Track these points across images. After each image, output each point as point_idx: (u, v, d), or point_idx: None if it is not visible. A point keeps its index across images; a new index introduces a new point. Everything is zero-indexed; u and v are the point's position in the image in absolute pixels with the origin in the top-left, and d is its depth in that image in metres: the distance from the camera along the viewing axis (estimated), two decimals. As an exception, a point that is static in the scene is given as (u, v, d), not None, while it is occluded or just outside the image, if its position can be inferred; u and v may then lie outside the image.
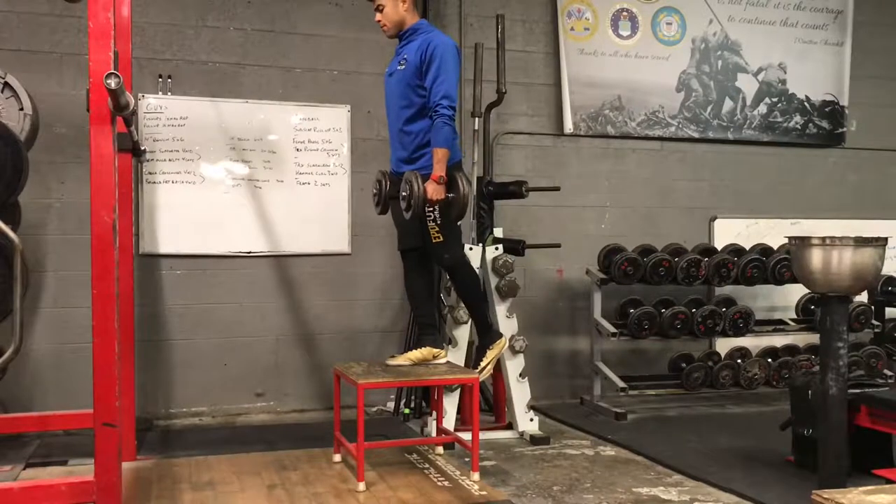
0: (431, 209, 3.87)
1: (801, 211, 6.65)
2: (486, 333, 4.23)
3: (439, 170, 3.80)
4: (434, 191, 3.79)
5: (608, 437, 4.85)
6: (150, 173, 5.26)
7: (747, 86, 6.58)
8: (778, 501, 3.62)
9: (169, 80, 5.30)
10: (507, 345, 4.36)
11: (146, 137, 5.19)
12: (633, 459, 4.43)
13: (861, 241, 3.56)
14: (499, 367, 4.85)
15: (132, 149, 4.07)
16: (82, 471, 3.76)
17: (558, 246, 5.65)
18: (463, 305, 4.62)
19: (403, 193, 3.86)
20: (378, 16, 4.05)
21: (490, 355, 4.17)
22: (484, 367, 4.13)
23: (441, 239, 3.95)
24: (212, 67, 5.41)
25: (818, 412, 3.73)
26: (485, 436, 4.68)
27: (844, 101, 6.82)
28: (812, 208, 6.68)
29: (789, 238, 3.83)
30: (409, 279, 4.28)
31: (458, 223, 4.06)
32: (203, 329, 5.38)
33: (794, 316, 6.36)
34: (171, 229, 5.28)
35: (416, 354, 4.09)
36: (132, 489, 3.62)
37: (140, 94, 5.12)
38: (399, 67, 4.00)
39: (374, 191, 4.24)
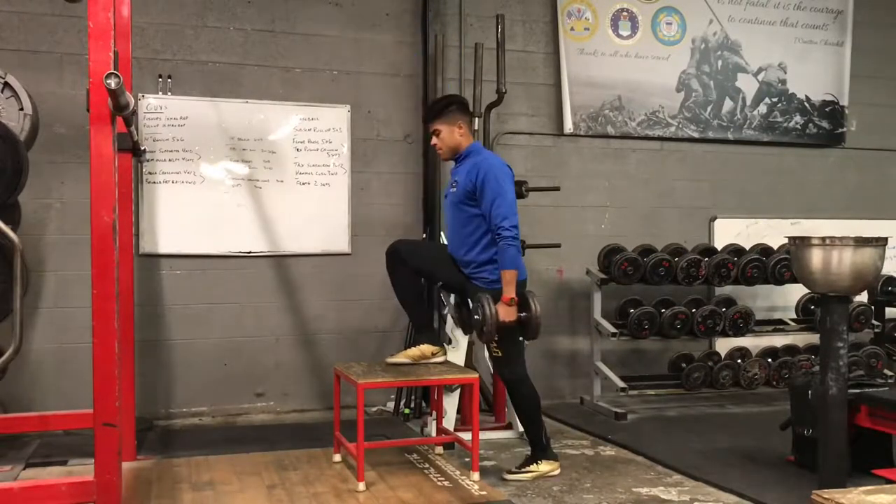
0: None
1: (801, 211, 6.65)
2: (541, 450, 4.06)
3: (510, 292, 3.82)
4: (506, 313, 3.81)
5: (608, 437, 4.85)
6: (150, 173, 5.26)
7: (747, 86, 6.58)
8: (778, 501, 3.62)
9: (169, 80, 5.30)
10: (557, 472, 4.07)
11: (146, 137, 5.19)
12: (633, 459, 4.43)
13: (861, 241, 3.56)
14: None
15: (132, 149, 4.06)
16: (82, 471, 3.76)
17: (558, 246, 5.65)
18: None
19: (476, 317, 3.84)
20: (434, 140, 4.12)
21: (536, 470, 4.00)
22: (523, 477, 3.97)
23: (500, 354, 4.00)
24: (212, 67, 5.41)
25: (818, 412, 3.73)
26: (485, 436, 4.68)
27: (844, 101, 6.82)
28: (812, 208, 6.68)
29: (789, 238, 3.83)
30: (395, 283, 4.20)
31: (521, 338, 4.04)
32: (203, 329, 5.38)
33: (794, 316, 6.35)
34: (171, 229, 5.29)
35: (414, 352, 4.11)
36: (132, 489, 3.62)
37: (140, 94, 5.12)
38: (452, 190, 4.11)
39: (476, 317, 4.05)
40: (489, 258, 3.97)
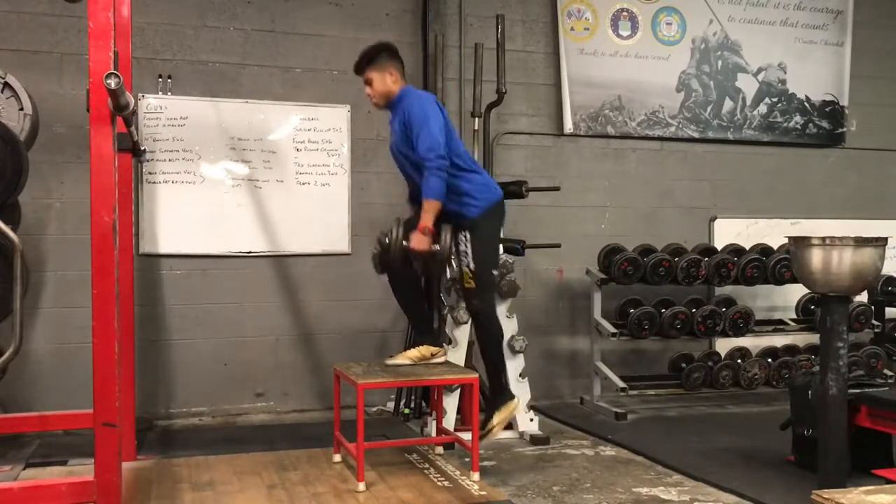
0: (466, 253, 3.84)
1: (801, 211, 6.65)
2: (498, 392, 4.03)
3: (427, 220, 3.75)
4: (418, 241, 3.74)
5: (608, 437, 4.85)
6: (150, 173, 5.26)
7: (747, 86, 6.58)
8: (778, 501, 3.62)
9: (169, 80, 5.30)
10: (517, 408, 4.12)
11: (146, 137, 5.19)
12: (633, 459, 4.43)
13: (861, 241, 3.56)
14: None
15: (132, 149, 4.06)
16: (82, 471, 3.76)
17: (558, 246, 5.65)
18: (464, 304, 4.61)
19: (386, 239, 3.81)
20: (367, 89, 4.06)
21: (499, 417, 3.96)
22: (490, 429, 3.94)
23: (473, 285, 3.94)
24: (212, 67, 5.41)
25: (818, 412, 3.73)
26: (485, 436, 4.67)
27: (844, 101, 6.82)
28: (812, 208, 6.68)
29: (789, 238, 3.83)
30: (395, 289, 4.19)
31: (495, 272, 4.02)
32: (203, 329, 5.38)
33: (794, 316, 6.35)
34: (171, 229, 5.29)
35: (414, 353, 4.10)
36: (132, 489, 3.62)
37: (140, 94, 5.12)
38: (392, 139, 4.07)
39: (374, 251, 4.05)
40: (459, 189, 3.90)
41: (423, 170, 3.83)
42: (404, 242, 3.76)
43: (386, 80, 4.01)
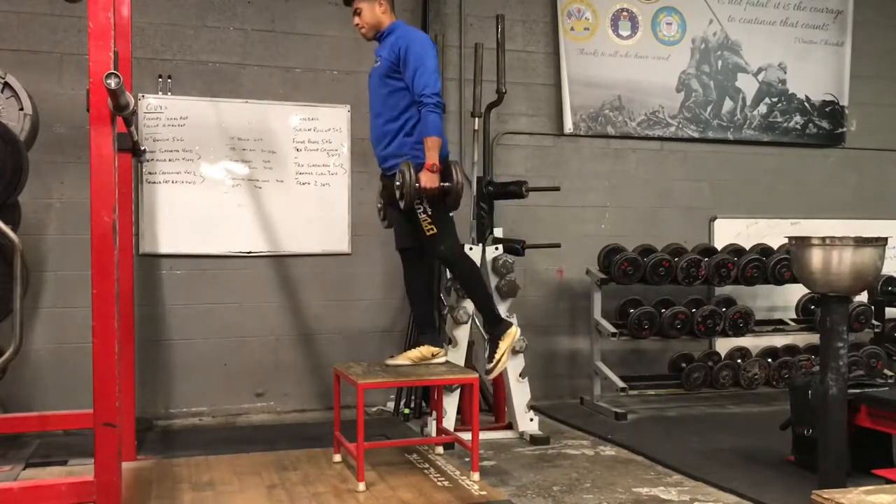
0: (420, 201, 3.85)
1: (801, 211, 6.65)
2: (495, 324, 4.10)
3: (432, 158, 3.79)
4: (428, 179, 3.78)
5: (608, 437, 4.85)
6: (150, 173, 5.26)
7: (747, 86, 6.58)
8: (778, 501, 3.62)
9: (169, 80, 5.30)
10: (518, 333, 4.21)
11: (146, 137, 5.19)
12: (633, 459, 4.43)
13: (861, 241, 3.56)
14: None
15: (132, 149, 4.06)
16: (82, 471, 3.76)
17: (558, 246, 5.65)
18: (464, 304, 4.62)
19: (397, 183, 3.84)
20: (356, 19, 4.09)
21: (503, 346, 4.03)
22: (499, 360, 4.01)
23: (435, 231, 3.93)
24: (212, 67, 5.41)
25: (818, 412, 3.73)
26: (485, 436, 4.68)
27: (844, 101, 6.82)
28: (812, 208, 6.68)
29: (789, 238, 3.83)
30: (407, 277, 4.28)
31: (451, 214, 4.04)
32: (203, 329, 5.38)
33: (794, 316, 6.35)
34: (171, 229, 5.28)
35: (414, 354, 4.10)
36: (132, 489, 3.62)
37: (140, 94, 5.12)
38: (375, 65, 4.07)
39: (379, 206, 4.25)
40: (414, 142, 3.93)
41: (392, 102, 3.91)
42: (416, 184, 3.78)
43: (375, 10, 4.04)
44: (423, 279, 4.34)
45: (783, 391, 5.37)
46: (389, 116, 3.99)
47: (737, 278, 5.81)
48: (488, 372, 4.06)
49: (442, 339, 4.67)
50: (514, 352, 4.83)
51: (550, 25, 6.11)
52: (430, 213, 3.89)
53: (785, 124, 6.68)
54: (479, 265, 4.75)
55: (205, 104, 5.36)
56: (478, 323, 4.62)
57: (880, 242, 3.59)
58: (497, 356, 4.03)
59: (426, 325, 4.28)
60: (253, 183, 5.46)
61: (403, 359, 4.10)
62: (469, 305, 4.64)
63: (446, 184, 3.85)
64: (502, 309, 4.84)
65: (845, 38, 6.83)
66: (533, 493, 3.80)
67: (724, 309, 5.81)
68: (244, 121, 5.44)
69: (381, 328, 5.71)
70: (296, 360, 5.57)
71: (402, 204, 3.87)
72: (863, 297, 5.88)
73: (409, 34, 3.99)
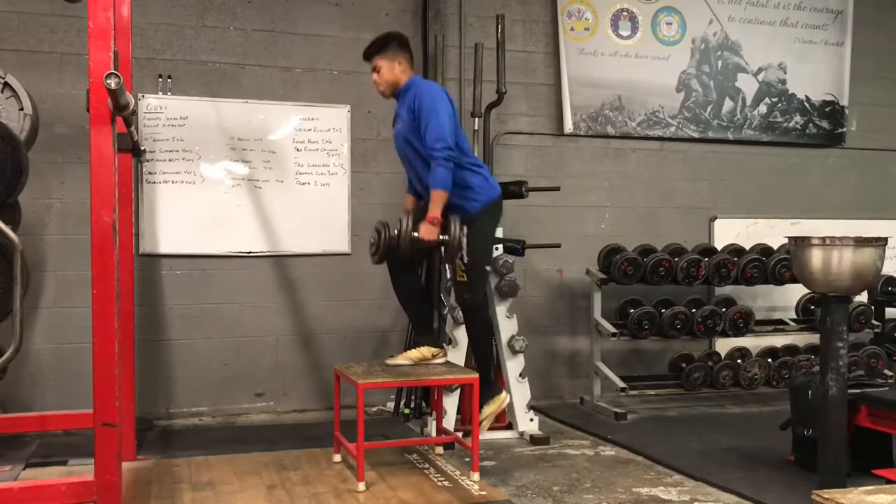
0: (462, 246, 3.83)
1: (801, 211, 6.65)
2: (485, 388, 4.02)
3: (434, 211, 3.78)
4: (427, 231, 3.77)
5: (608, 437, 4.85)
6: (150, 173, 5.26)
7: (747, 86, 6.58)
8: (778, 501, 3.62)
9: (169, 80, 5.30)
10: (506, 402, 4.16)
11: (146, 137, 5.19)
12: (633, 459, 4.43)
13: (861, 241, 3.56)
14: (499, 367, 4.84)
15: (132, 149, 4.07)
16: (82, 471, 3.76)
17: (558, 246, 5.65)
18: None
19: (394, 231, 3.84)
20: (374, 76, 4.08)
21: (487, 411, 4.00)
22: (480, 423, 3.95)
23: (465, 279, 3.96)
24: (212, 67, 5.41)
25: (818, 412, 3.73)
26: (485, 436, 4.67)
27: (844, 101, 6.82)
28: (812, 208, 6.68)
29: (789, 238, 3.83)
30: (396, 285, 4.22)
31: (488, 268, 4.05)
32: (203, 329, 5.38)
33: (794, 316, 6.35)
34: (171, 229, 5.28)
35: (414, 354, 4.10)
36: (132, 489, 3.62)
37: (140, 94, 5.12)
38: (398, 126, 4.07)
39: (372, 240, 4.09)
40: (463, 182, 3.92)
41: (426, 160, 3.85)
42: (414, 234, 3.78)
43: (394, 69, 4.03)
44: (413, 283, 4.31)
45: (783, 391, 5.37)
46: (424, 171, 3.96)
47: (737, 278, 5.81)
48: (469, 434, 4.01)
49: (442, 339, 4.68)
50: (514, 352, 4.83)
51: (550, 25, 6.11)
52: (465, 261, 3.88)
53: (785, 124, 6.68)
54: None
55: (205, 104, 5.36)
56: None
57: (880, 242, 3.59)
58: (480, 419, 3.97)
59: (425, 326, 4.29)
60: (253, 183, 5.46)
61: (403, 359, 4.09)
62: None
63: (444, 237, 3.82)
64: (502, 309, 4.86)
65: (845, 38, 6.83)
66: (533, 494, 3.80)
67: (724, 309, 5.81)
68: (244, 121, 5.44)
69: (381, 328, 5.71)
70: (296, 361, 5.57)
71: (391, 248, 3.87)
72: (863, 297, 5.88)
73: (422, 89, 3.97)
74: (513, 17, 5.91)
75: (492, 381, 4.13)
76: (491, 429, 4.89)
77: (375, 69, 4.06)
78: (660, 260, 5.63)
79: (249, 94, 5.47)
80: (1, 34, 4.98)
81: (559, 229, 5.99)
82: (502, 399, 4.09)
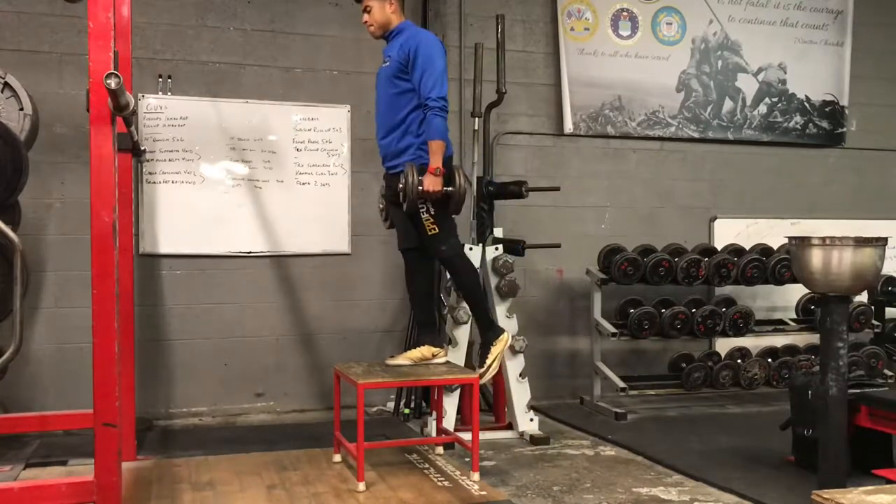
0: (423, 202, 3.87)
1: (801, 211, 6.65)
2: (488, 329, 4.17)
3: (436, 161, 3.82)
4: (431, 183, 3.82)
5: (608, 437, 4.85)
6: (150, 173, 5.26)
7: (747, 86, 6.58)
8: (778, 501, 3.62)
9: (169, 80, 5.30)
10: (510, 340, 4.30)
11: (146, 137, 5.19)
12: (633, 459, 4.43)
13: (861, 241, 3.56)
14: (499, 367, 4.84)
15: (132, 149, 4.06)
16: (82, 471, 3.76)
17: (558, 246, 5.65)
18: (464, 305, 4.62)
19: (400, 185, 3.88)
20: (365, 16, 4.12)
21: (495, 351, 4.11)
22: (490, 364, 4.07)
23: (437, 231, 3.98)
24: (212, 67, 5.41)
25: (818, 412, 3.73)
26: (485, 436, 4.68)
27: (844, 101, 6.82)
28: (812, 208, 6.69)
29: (789, 238, 3.83)
30: (409, 277, 4.31)
31: (454, 216, 4.08)
32: (203, 329, 5.38)
33: (794, 316, 6.35)
34: (171, 229, 5.28)
35: (415, 354, 4.11)
36: (132, 489, 3.62)
37: (140, 94, 5.12)
38: (384, 65, 4.09)
39: (381, 206, 4.27)
40: (419, 143, 3.96)
41: (394, 106, 3.93)
42: (419, 187, 3.80)
43: (385, 9, 4.07)
44: (425, 280, 4.37)
45: (783, 391, 5.37)
46: (395, 116, 4.02)
47: (737, 278, 5.81)
48: (480, 376, 4.06)
49: (442, 339, 4.68)
50: (514, 352, 4.83)
51: (550, 25, 6.11)
52: (432, 213, 3.93)
53: (785, 124, 6.68)
54: (479, 265, 4.76)
55: (205, 104, 5.36)
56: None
57: (880, 242, 3.59)
58: (488, 361, 4.07)
59: (427, 325, 4.29)
60: (253, 183, 5.46)
61: (404, 359, 4.10)
62: (469, 305, 4.64)
63: (449, 188, 3.87)
64: (502, 309, 4.85)
65: (845, 38, 6.82)
66: (533, 493, 3.80)
67: (724, 309, 5.81)
68: (244, 121, 5.44)
69: (381, 328, 5.71)
70: (296, 361, 5.57)
71: (404, 206, 3.90)
72: (863, 297, 5.88)
73: (419, 35, 4.02)
74: (513, 17, 5.91)
75: (492, 322, 4.24)
76: (491, 429, 4.92)
77: (366, 9, 4.09)
78: (660, 260, 5.63)
79: (249, 94, 5.47)
80: (1, 34, 4.98)
81: (559, 229, 5.99)
82: (505, 339, 4.18)
